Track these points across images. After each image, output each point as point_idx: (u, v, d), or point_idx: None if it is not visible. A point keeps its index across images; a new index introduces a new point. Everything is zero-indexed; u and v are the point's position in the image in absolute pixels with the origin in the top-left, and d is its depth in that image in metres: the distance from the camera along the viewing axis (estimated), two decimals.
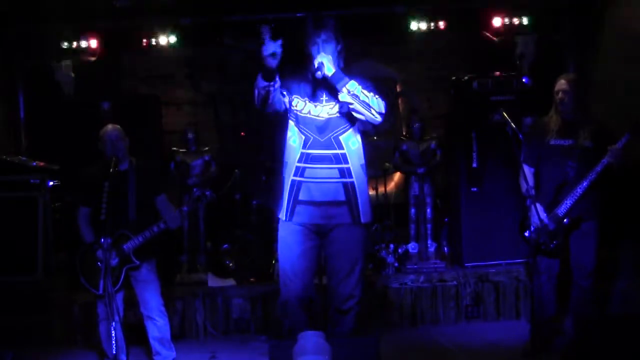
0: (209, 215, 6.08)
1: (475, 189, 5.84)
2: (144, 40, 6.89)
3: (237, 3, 6.70)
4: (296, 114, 3.74)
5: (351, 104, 3.59)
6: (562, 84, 4.43)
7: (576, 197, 4.34)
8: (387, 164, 6.37)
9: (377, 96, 3.63)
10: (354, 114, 3.64)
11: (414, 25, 6.90)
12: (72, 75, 6.70)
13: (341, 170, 3.70)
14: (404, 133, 6.41)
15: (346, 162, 3.70)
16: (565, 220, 4.39)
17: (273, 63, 3.42)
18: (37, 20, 6.53)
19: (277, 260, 5.50)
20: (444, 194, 6.30)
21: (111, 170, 4.12)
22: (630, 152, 4.28)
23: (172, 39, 6.87)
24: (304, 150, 3.70)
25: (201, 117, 7.60)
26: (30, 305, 5.39)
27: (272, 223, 5.71)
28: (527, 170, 4.50)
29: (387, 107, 3.68)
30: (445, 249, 6.12)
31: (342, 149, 3.70)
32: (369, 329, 4.69)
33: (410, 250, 5.95)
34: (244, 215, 6.40)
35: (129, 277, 4.47)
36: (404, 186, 6.80)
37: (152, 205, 4.56)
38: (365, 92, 3.60)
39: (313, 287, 3.83)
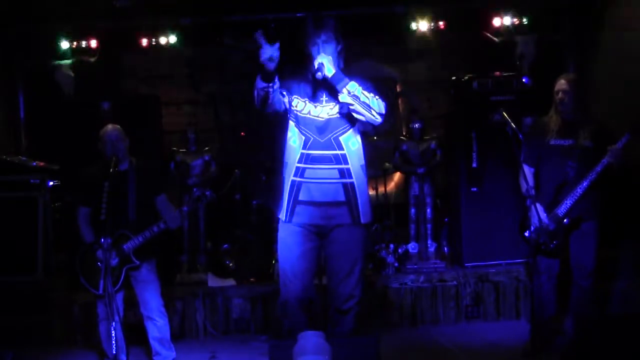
0: (209, 215, 6.08)
1: (475, 189, 5.84)
2: (144, 40, 6.89)
3: (237, 3, 6.70)
4: (296, 115, 3.73)
5: (351, 104, 3.59)
6: (562, 84, 4.43)
7: (576, 197, 4.34)
8: (387, 164, 6.37)
9: (377, 97, 3.63)
10: (354, 114, 3.63)
11: (414, 25, 6.91)
12: (72, 75, 6.71)
13: (341, 171, 3.70)
14: (404, 133, 6.41)
15: (346, 162, 3.70)
16: (565, 220, 4.39)
17: (271, 66, 3.42)
18: (37, 20, 6.54)
19: (277, 260, 5.51)
20: (444, 194, 6.31)
21: (111, 170, 4.12)
22: (630, 152, 4.28)
23: (172, 39, 6.88)
24: (304, 151, 3.70)
25: (201, 117, 7.60)
26: (30, 305, 5.40)
27: (272, 223, 5.71)
28: (527, 170, 4.50)
29: (387, 107, 3.67)
30: (445, 249, 6.12)
31: (342, 149, 3.70)
32: (369, 329, 4.69)
33: (410, 250, 5.96)
34: (244, 215, 6.40)
35: (129, 277, 4.47)
36: (404, 186, 6.80)
37: (152, 205, 4.56)
38: (366, 93, 3.60)
39: (313, 288, 3.83)
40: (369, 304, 5.27)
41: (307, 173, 3.70)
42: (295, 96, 3.73)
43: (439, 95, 7.46)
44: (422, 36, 7.03)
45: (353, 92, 3.57)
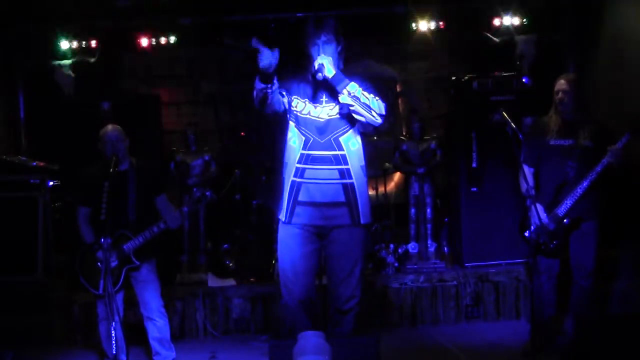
0: (209, 216, 6.08)
1: (475, 189, 5.84)
2: (144, 40, 6.89)
3: (237, 3, 6.71)
4: (296, 115, 3.73)
5: (352, 105, 3.58)
6: (562, 84, 4.43)
7: (576, 197, 4.34)
8: (387, 164, 6.38)
9: (377, 98, 3.63)
10: (354, 115, 3.63)
11: (414, 25, 6.91)
12: (72, 75, 6.71)
13: (341, 172, 3.70)
14: (404, 133, 6.41)
15: (346, 163, 3.70)
16: (565, 220, 4.39)
17: (269, 70, 3.43)
18: (37, 20, 6.54)
19: (277, 260, 5.51)
20: (444, 194, 6.31)
21: (111, 170, 4.11)
22: (630, 152, 4.28)
23: (172, 39, 6.87)
24: (303, 151, 3.70)
25: (201, 117, 7.59)
26: (30, 305, 5.40)
27: (272, 223, 5.71)
28: (527, 170, 4.50)
29: (387, 108, 3.67)
30: (445, 249, 6.13)
31: (342, 150, 3.70)
32: (369, 329, 4.69)
33: (410, 250, 5.96)
34: (244, 215, 6.40)
35: (129, 277, 4.47)
36: (404, 186, 6.81)
37: (152, 206, 4.56)
38: (366, 93, 3.60)
39: (314, 289, 3.83)
40: (369, 304, 5.28)
41: (307, 173, 3.70)
42: (295, 96, 3.73)
43: (439, 95, 7.47)
44: (422, 36, 7.04)
45: (353, 93, 3.56)
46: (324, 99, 3.71)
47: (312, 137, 3.69)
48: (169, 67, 7.62)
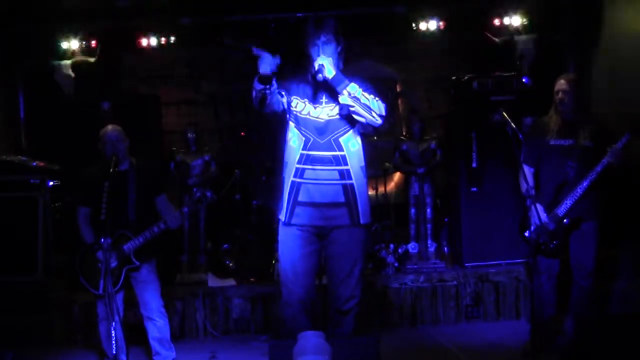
0: (209, 216, 6.08)
1: (475, 189, 5.85)
2: (144, 40, 6.89)
3: (237, 3, 6.71)
4: (296, 115, 3.73)
5: (352, 106, 3.58)
6: (562, 84, 4.43)
7: (576, 197, 4.34)
8: (387, 164, 6.37)
9: (377, 98, 3.62)
10: (354, 116, 3.62)
11: (414, 25, 6.90)
12: (72, 75, 6.70)
13: (341, 172, 3.69)
14: (404, 133, 6.41)
15: (346, 164, 3.69)
16: (565, 220, 4.39)
17: (269, 74, 3.44)
18: (37, 20, 6.54)
19: (277, 260, 5.52)
20: (444, 194, 6.31)
21: (111, 170, 4.11)
22: (630, 152, 4.28)
23: (172, 39, 6.87)
24: (303, 152, 3.69)
25: (201, 117, 7.59)
26: (30, 305, 5.40)
27: (272, 223, 5.71)
28: (527, 170, 4.50)
29: (387, 109, 3.67)
30: (445, 249, 6.13)
31: (342, 150, 3.69)
32: (369, 329, 4.69)
33: (410, 250, 5.96)
34: (244, 215, 6.40)
35: (129, 277, 4.47)
36: (404, 186, 6.81)
37: (152, 206, 4.56)
38: (366, 94, 3.59)
39: (314, 289, 3.83)
40: (369, 304, 5.28)
41: (307, 174, 3.69)
42: (294, 97, 3.73)
43: (439, 95, 7.46)
44: (422, 36, 7.03)
45: (353, 94, 3.56)
46: (324, 99, 3.70)
47: (312, 137, 3.69)
48: (169, 67, 7.62)
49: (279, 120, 3.79)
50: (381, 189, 6.51)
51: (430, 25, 6.92)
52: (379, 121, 3.63)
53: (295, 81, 3.74)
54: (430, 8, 6.87)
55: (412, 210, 6.02)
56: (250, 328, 5.56)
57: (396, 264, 5.85)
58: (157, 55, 7.28)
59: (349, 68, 3.75)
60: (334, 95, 3.64)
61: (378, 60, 7.55)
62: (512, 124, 4.32)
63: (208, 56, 7.66)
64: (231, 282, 5.79)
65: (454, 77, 6.20)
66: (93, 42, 6.75)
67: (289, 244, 3.76)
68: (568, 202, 4.36)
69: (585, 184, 4.31)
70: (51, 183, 5.81)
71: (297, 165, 3.70)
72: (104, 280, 3.96)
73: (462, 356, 4.83)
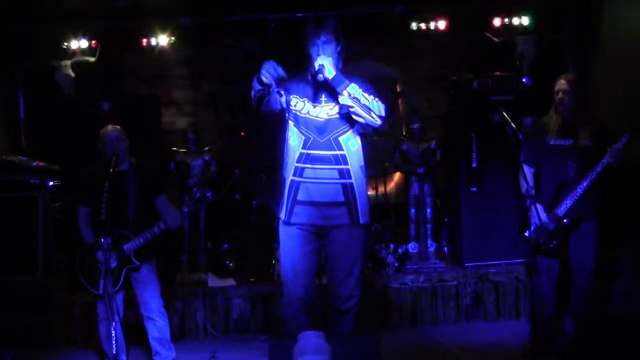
0: (209, 216, 6.08)
1: (475, 189, 5.84)
2: (144, 40, 6.89)
3: (237, 3, 6.71)
4: (295, 114, 3.73)
5: (351, 107, 3.58)
6: (562, 84, 4.43)
7: (576, 197, 4.34)
8: (387, 164, 6.37)
9: (377, 99, 3.62)
10: (354, 116, 3.62)
11: (414, 25, 6.90)
12: (72, 75, 6.70)
13: (340, 171, 3.70)
14: (404, 133, 6.41)
15: (345, 163, 3.70)
16: (565, 220, 4.39)
17: (268, 79, 3.47)
18: (37, 20, 6.54)
19: (277, 260, 5.52)
20: (444, 194, 6.31)
21: (111, 170, 4.11)
22: (630, 152, 4.28)
23: (172, 39, 6.87)
24: (303, 151, 3.70)
25: (201, 117, 7.60)
26: (30, 305, 5.40)
27: (272, 223, 5.71)
28: (527, 170, 4.50)
29: (387, 109, 3.67)
30: (445, 249, 6.13)
31: (342, 150, 3.69)
32: (369, 329, 4.69)
33: (410, 250, 5.96)
34: (244, 215, 6.40)
35: (129, 277, 4.47)
36: (404, 186, 6.80)
37: (152, 206, 4.56)
38: (366, 95, 3.59)
39: (314, 289, 3.83)
40: (369, 304, 5.27)
41: (306, 173, 3.70)
42: (294, 96, 3.73)
43: (439, 95, 7.46)
44: (422, 36, 7.03)
45: (353, 94, 3.56)
46: (324, 98, 3.71)
47: (312, 136, 3.69)
48: (169, 67, 7.62)
49: (277, 120, 3.79)
50: (381, 189, 6.51)
51: (430, 25, 6.91)
52: (379, 122, 3.63)
53: (295, 80, 3.74)
54: (430, 8, 6.87)
55: (412, 210, 6.02)
56: (250, 328, 5.56)
57: (396, 264, 5.85)
58: (157, 55, 7.27)
59: (349, 68, 3.75)
60: (333, 95, 3.65)
61: (378, 60, 7.55)
62: (512, 124, 4.32)
63: (208, 56, 7.66)
64: (231, 282, 5.79)
65: (454, 77, 6.20)
66: (93, 42, 6.75)
67: (289, 243, 3.76)
68: (568, 202, 4.36)
69: (585, 184, 4.31)
70: (51, 183, 5.81)
71: (297, 164, 3.70)
72: (104, 280, 3.96)
73: (462, 356, 4.83)
